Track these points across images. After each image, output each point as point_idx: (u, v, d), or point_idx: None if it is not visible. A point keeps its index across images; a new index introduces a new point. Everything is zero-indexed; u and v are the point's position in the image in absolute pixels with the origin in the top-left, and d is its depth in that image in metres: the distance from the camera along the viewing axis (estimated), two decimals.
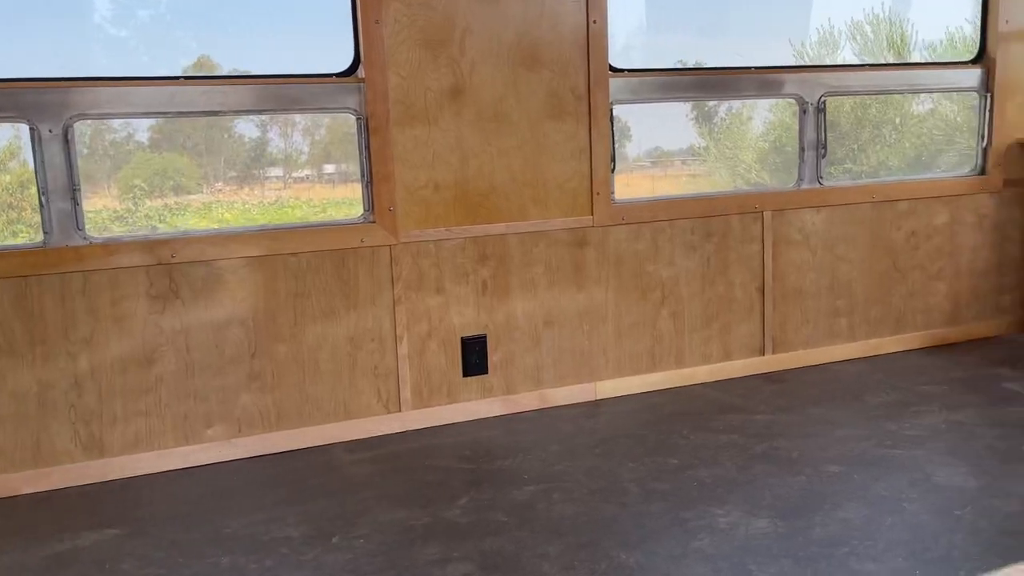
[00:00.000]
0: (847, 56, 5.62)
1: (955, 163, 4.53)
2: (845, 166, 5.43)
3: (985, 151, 3.63)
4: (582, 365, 3.09)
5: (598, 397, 3.12)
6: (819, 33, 5.56)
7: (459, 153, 2.81)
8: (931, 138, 5.30)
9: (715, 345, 3.28)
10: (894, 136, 5.63)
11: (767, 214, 3.28)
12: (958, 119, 4.84)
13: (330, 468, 2.59)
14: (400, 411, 2.85)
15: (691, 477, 2.40)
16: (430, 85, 2.74)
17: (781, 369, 3.38)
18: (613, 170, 3.05)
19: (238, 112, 2.66)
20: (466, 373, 2.92)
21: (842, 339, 3.49)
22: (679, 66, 4.18)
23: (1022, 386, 3.06)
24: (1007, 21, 3.52)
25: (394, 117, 2.72)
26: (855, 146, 5.48)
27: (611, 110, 3.00)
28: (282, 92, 2.65)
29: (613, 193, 3.07)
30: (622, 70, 3.03)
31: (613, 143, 3.02)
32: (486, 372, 2.94)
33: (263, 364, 2.68)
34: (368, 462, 2.62)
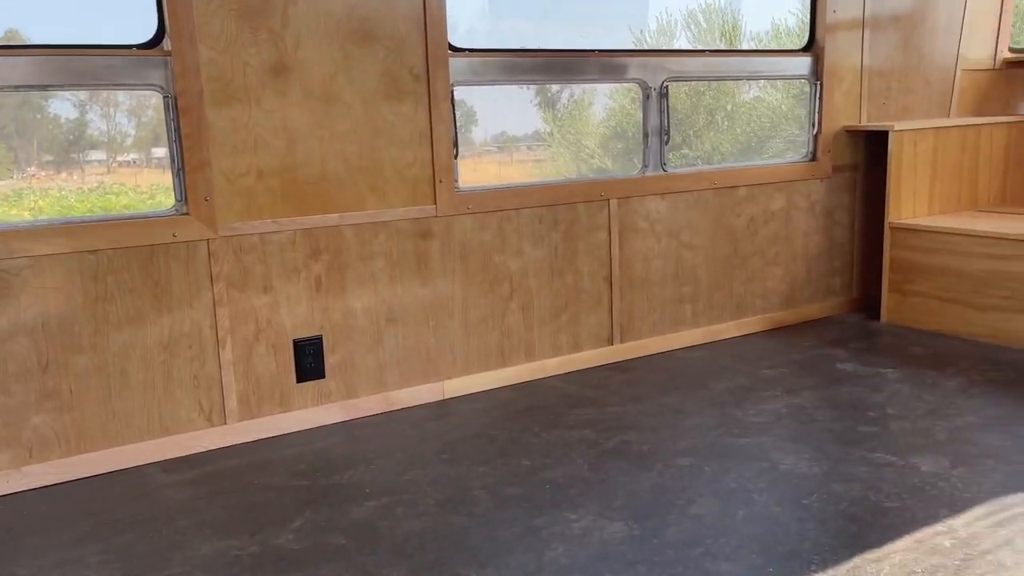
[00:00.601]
0: (683, 44, 5.72)
1: (781, 149, 4.69)
2: (683, 151, 5.54)
3: (816, 138, 3.73)
4: (428, 363, 2.92)
5: (446, 396, 2.95)
6: (658, 21, 5.63)
7: (285, 137, 2.55)
8: (760, 125, 5.49)
9: (565, 336, 3.19)
10: (726, 123, 5.80)
11: (613, 202, 3.22)
12: (783, 107, 5.02)
13: (143, 494, 2.28)
14: (225, 423, 2.57)
15: (544, 479, 2.29)
16: (249, 60, 2.46)
17: (630, 358, 3.35)
18: (456, 156, 2.88)
19: (18, 87, 2.27)
20: (300, 378, 2.67)
21: (687, 325, 3.50)
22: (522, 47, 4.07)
23: (853, 366, 3.16)
24: (835, 11, 3.63)
25: (209, 96, 2.42)
26: (691, 131, 5.60)
27: (452, 92, 2.82)
28: (73, 65, 2.29)
29: (457, 181, 2.90)
30: (463, 49, 2.86)
31: (456, 127, 2.85)
32: (323, 376, 2.71)
33: (58, 379, 2.32)
34: (188, 484, 2.34)
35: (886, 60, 3.84)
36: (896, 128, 3.58)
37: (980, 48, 4.15)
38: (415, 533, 2.01)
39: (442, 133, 2.80)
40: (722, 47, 5.52)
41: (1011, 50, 4.26)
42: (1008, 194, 4.10)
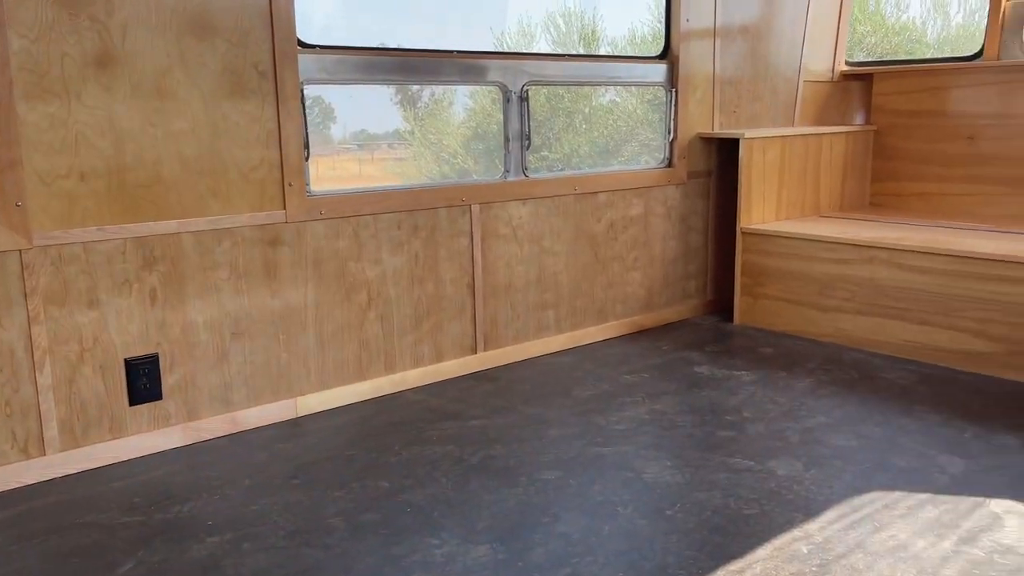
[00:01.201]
0: (543, 47, 5.73)
1: (636, 152, 4.77)
2: (543, 154, 5.55)
3: (672, 144, 3.80)
4: (280, 379, 2.73)
5: (300, 414, 2.78)
6: (519, 23, 5.61)
7: (112, 135, 2.30)
8: (616, 129, 5.59)
9: (427, 347, 3.08)
10: (584, 126, 5.87)
11: (475, 207, 3.13)
12: (638, 112, 5.12)
13: None
14: (45, 455, 2.30)
15: (404, 501, 2.17)
16: (68, 51, 2.20)
17: (494, 366, 3.28)
18: (308, 158, 2.71)
19: None
20: (134, 401, 2.43)
21: (550, 331, 3.47)
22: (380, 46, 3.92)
23: (710, 370, 3.22)
24: (688, 20, 3.70)
25: (20, 89, 2.15)
26: (551, 134, 5.63)
27: (302, 90, 2.65)
28: None
29: (309, 184, 2.73)
30: (313, 46, 2.70)
31: (307, 127, 2.68)
32: (160, 398, 2.48)
33: None
34: None
35: (736, 70, 3.96)
36: (747, 136, 3.69)
37: (820, 61, 4.37)
38: (262, 570, 1.85)
39: (292, 133, 2.63)
40: (581, 52, 5.57)
41: (847, 64, 4.51)
42: (846, 200, 4.34)
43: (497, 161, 3.30)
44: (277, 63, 2.56)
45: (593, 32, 5.70)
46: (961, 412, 2.72)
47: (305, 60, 2.66)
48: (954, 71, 4.10)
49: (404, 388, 3.02)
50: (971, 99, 4.04)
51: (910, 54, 6.27)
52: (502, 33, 5.61)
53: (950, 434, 2.54)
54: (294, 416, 2.76)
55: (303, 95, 2.65)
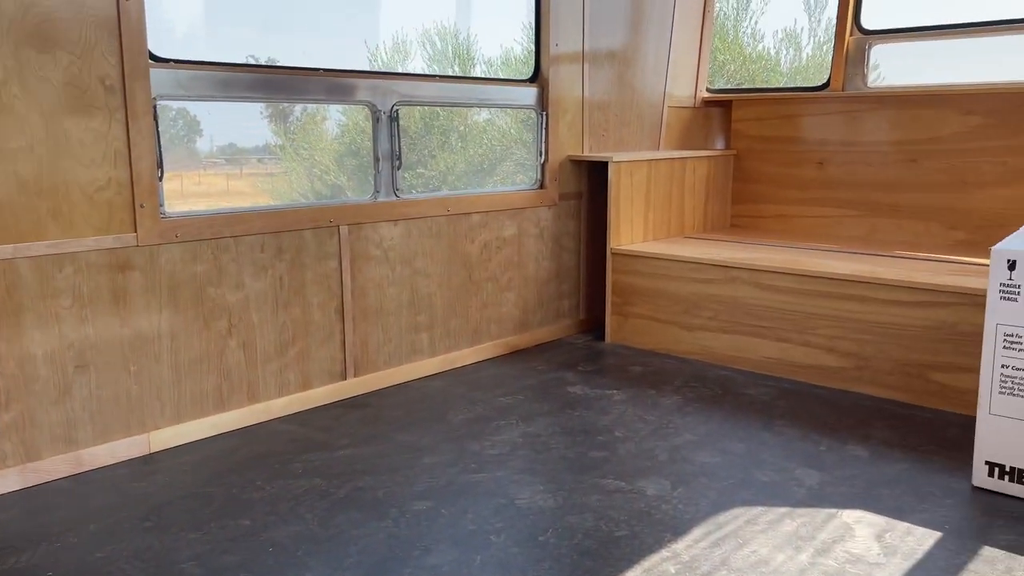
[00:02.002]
0: (418, 63, 5.70)
1: (511, 171, 4.81)
2: (418, 171, 5.51)
3: (543, 167, 3.84)
4: (131, 414, 2.55)
5: (153, 451, 2.60)
6: (394, 39, 5.56)
7: None
8: (491, 148, 5.62)
9: (293, 374, 2.96)
10: (460, 144, 5.87)
11: (343, 228, 3.05)
12: (512, 131, 5.18)
13: None
14: None
15: (266, 540, 2.06)
16: None
17: (365, 392, 3.19)
18: (161, 177, 2.56)
19: None
20: None
21: (424, 354, 3.42)
22: (243, 61, 3.78)
23: (583, 389, 3.25)
24: (557, 44, 3.76)
25: None
26: (426, 151, 5.60)
27: (155, 107, 2.50)
28: None
29: (163, 205, 2.58)
30: (167, 60, 2.56)
31: (159, 145, 2.53)
32: None
33: None
34: None
35: (604, 94, 4.05)
36: (615, 159, 3.78)
37: (683, 88, 4.54)
38: None
39: (143, 152, 2.47)
40: (454, 72, 5.57)
41: (708, 91, 4.71)
42: (709, 221, 4.51)
43: (368, 182, 3.23)
44: (126, 78, 2.40)
45: (468, 51, 5.73)
46: (816, 426, 2.85)
47: (159, 75, 2.52)
48: (804, 100, 4.35)
49: (269, 418, 2.89)
50: (820, 127, 4.30)
51: (766, 82, 6.62)
52: (376, 47, 5.55)
53: (807, 447, 2.66)
54: (147, 453, 2.59)
55: (156, 112, 2.50)
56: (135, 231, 2.49)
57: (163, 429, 2.62)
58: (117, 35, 2.38)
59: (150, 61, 2.48)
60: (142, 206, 2.49)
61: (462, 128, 5.83)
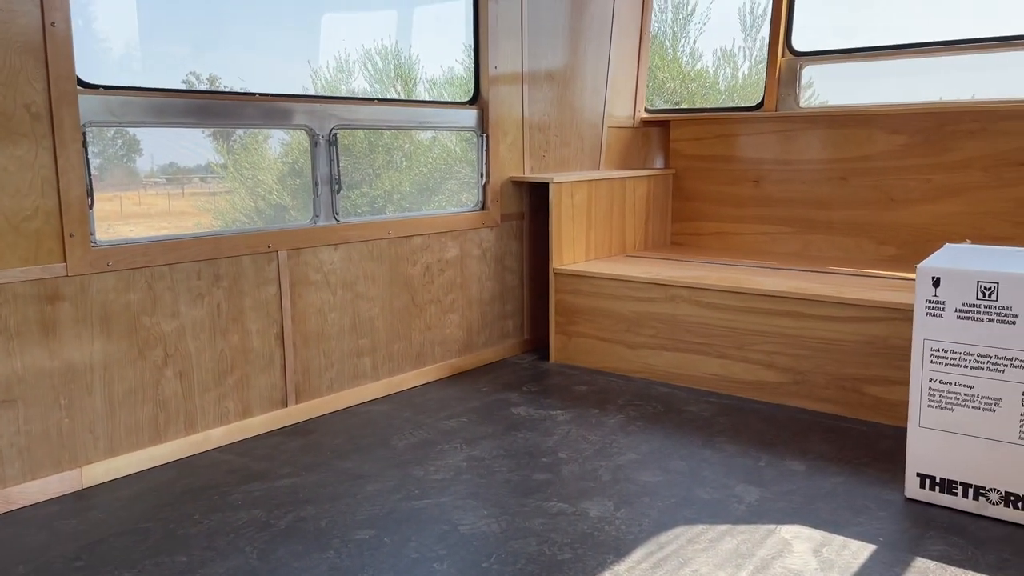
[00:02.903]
0: (360, 82, 5.69)
1: (456, 189, 4.82)
2: (362, 190, 5.48)
3: (484, 188, 3.85)
4: (62, 449, 2.48)
5: (86, 486, 2.53)
6: (336, 59, 5.53)
7: None
8: (436, 167, 5.62)
9: (232, 402, 2.91)
10: (405, 163, 5.86)
11: (282, 254, 3.01)
12: (457, 150, 5.19)
13: None
14: None
15: None
16: None
17: (307, 419, 3.15)
18: (92, 205, 2.50)
19: None
20: None
21: (367, 379, 3.39)
22: (180, 86, 3.72)
23: (527, 410, 3.26)
24: (496, 67, 3.78)
25: None
26: (370, 170, 5.57)
27: (84, 134, 2.45)
28: None
29: (94, 234, 2.51)
30: (96, 86, 2.50)
31: (89, 173, 2.47)
32: None
33: None
34: None
35: (544, 115, 4.09)
36: (555, 180, 3.81)
37: (622, 108, 4.61)
38: None
39: (72, 180, 2.41)
40: (396, 92, 5.57)
41: (646, 111, 4.79)
42: (650, 239, 4.57)
43: (307, 206, 3.20)
44: (53, 104, 2.35)
45: (409, 70, 5.73)
46: (756, 441, 2.90)
47: (88, 101, 2.46)
48: (739, 120, 4.46)
49: (208, 448, 2.83)
50: (755, 146, 4.40)
51: (705, 99, 6.77)
52: (319, 67, 5.51)
53: (746, 464, 2.71)
54: (79, 488, 2.51)
55: (85, 139, 2.45)
56: (64, 261, 2.42)
57: (96, 463, 2.54)
58: (43, 60, 2.32)
59: (79, 87, 2.42)
60: (72, 235, 2.42)
61: (407, 147, 5.83)
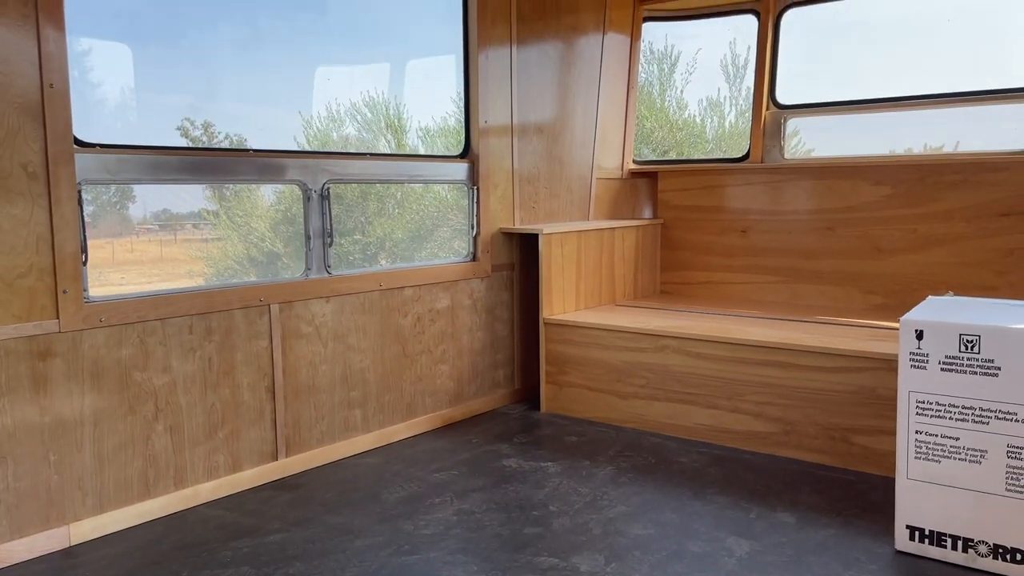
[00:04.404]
0: (351, 131, 5.76)
1: (449, 236, 4.86)
2: (355, 237, 5.51)
3: (475, 239, 3.90)
4: (50, 506, 2.46)
5: (74, 543, 2.51)
6: (327, 109, 5.62)
7: None
8: (428, 214, 5.68)
9: (222, 456, 2.90)
10: (397, 210, 5.91)
11: (274, 307, 3.04)
12: (449, 198, 5.25)
13: None
14: None
15: None
16: None
17: (297, 472, 3.14)
18: (85, 262, 2.52)
19: None
20: None
21: (357, 431, 3.38)
22: (175, 133, 3.78)
23: (518, 462, 3.26)
24: (486, 121, 3.86)
25: None
26: (363, 218, 5.62)
27: (80, 192, 2.48)
28: None
29: (87, 289, 2.53)
30: (93, 145, 2.55)
31: (84, 230, 2.50)
32: None
33: None
34: None
35: (533, 168, 4.16)
36: (545, 231, 3.86)
37: (610, 159, 4.68)
38: None
39: (67, 238, 2.44)
40: (387, 142, 5.64)
41: (634, 162, 4.87)
42: (639, 288, 4.61)
43: (299, 259, 3.24)
44: (50, 163, 2.39)
45: (399, 120, 5.82)
46: (747, 493, 2.91)
47: (84, 159, 2.50)
48: (726, 171, 4.53)
49: (197, 503, 2.82)
50: (742, 196, 4.47)
51: (693, 147, 6.87)
52: (310, 117, 5.59)
53: (737, 516, 2.71)
54: (67, 546, 2.49)
55: (81, 196, 2.48)
56: (57, 317, 2.44)
57: (84, 520, 2.53)
58: (41, 121, 2.37)
59: (75, 146, 2.47)
60: (65, 292, 2.44)
61: (399, 194, 5.89)
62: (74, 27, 2.47)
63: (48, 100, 2.37)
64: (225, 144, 4.44)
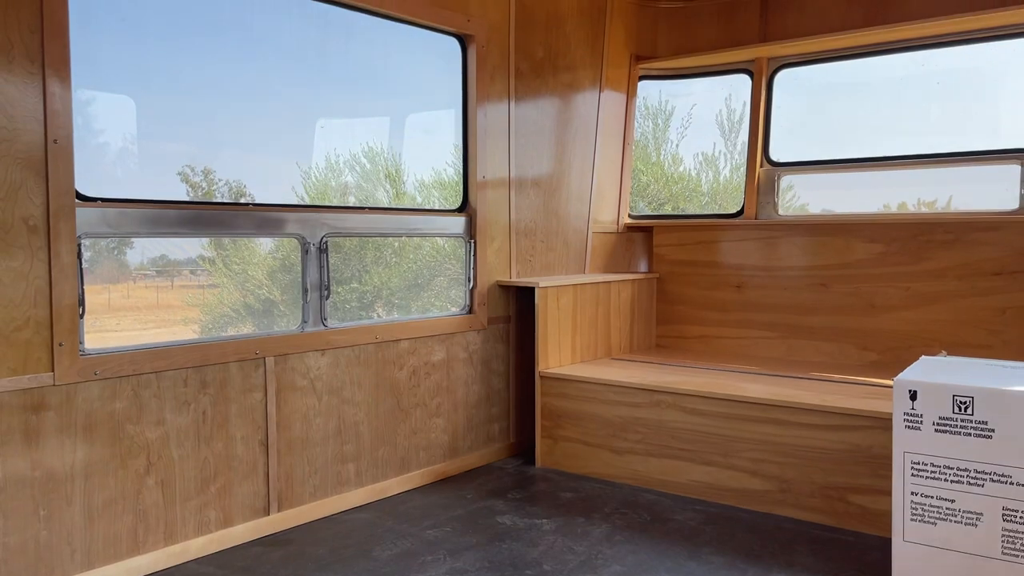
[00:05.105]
0: (349, 179, 5.81)
1: (445, 286, 4.88)
2: (352, 286, 5.53)
3: (472, 292, 3.91)
4: (39, 562, 2.43)
5: None
6: (327, 159, 5.68)
7: None
8: (425, 263, 5.70)
9: (213, 511, 2.87)
10: (394, 259, 5.94)
11: (270, 360, 3.04)
12: (446, 247, 5.28)
13: None
14: None
15: None
16: None
17: (289, 527, 3.10)
18: (83, 315, 2.53)
19: None
20: None
21: (350, 486, 3.36)
22: (172, 198, 3.82)
23: (512, 519, 3.23)
24: (484, 176, 3.90)
25: None
26: (360, 266, 5.64)
27: (80, 246, 2.50)
28: None
29: (83, 342, 2.54)
30: (94, 199, 2.57)
31: (82, 283, 2.52)
32: None
33: None
34: None
35: (530, 221, 4.20)
36: (541, 284, 3.88)
37: (606, 213, 4.73)
38: None
39: (65, 291, 2.45)
40: (382, 194, 5.70)
41: (630, 216, 4.91)
42: (635, 342, 4.62)
43: (296, 312, 3.25)
44: (51, 218, 2.41)
45: (398, 171, 5.88)
46: (743, 553, 2.88)
47: (85, 213, 2.53)
48: (721, 227, 4.58)
49: (186, 560, 2.78)
50: (737, 252, 4.51)
51: (688, 200, 6.94)
52: (309, 168, 5.65)
53: None
54: None
55: (80, 250, 2.50)
56: (52, 370, 2.44)
57: None
58: (44, 176, 2.40)
59: (77, 200, 2.49)
60: (61, 344, 2.45)
61: (396, 244, 5.92)
62: (78, 80, 2.52)
63: (52, 156, 2.40)
64: (224, 190, 4.48)
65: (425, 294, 5.67)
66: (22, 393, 2.38)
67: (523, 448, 4.20)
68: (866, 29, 4.03)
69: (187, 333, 5.61)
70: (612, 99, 4.68)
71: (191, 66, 3.78)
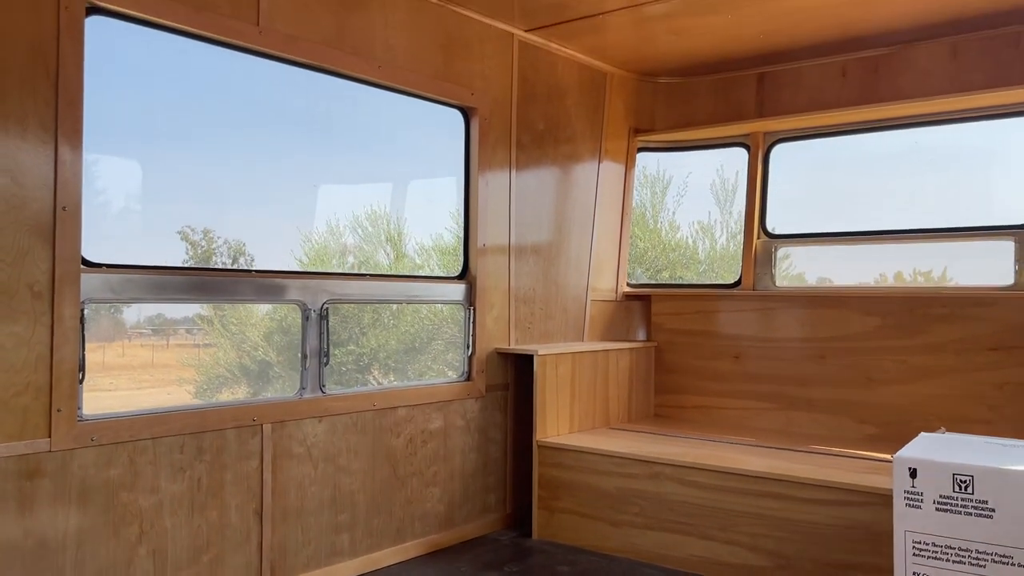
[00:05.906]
0: (350, 240, 5.85)
1: (443, 349, 4.88)
2: (349, 347, 5.52)
3: (470, 359, 3.92)
4: None
5: None
6: (328, 224, 5.74)
7: None
8: (423, 326, 5.71)
9: None
10: (392, 321, 5.95)
11: (267, 427, 3.02)
12: (444, 311, 5.30)
13: None
14: None
15: None
16: None
17: None
18: (82, 380, 2.53)
19: None
20: None
21: (344, 556, 3.30)
22: (173, 264, 3.85)
23: None
24: (484, 244, 3.95)
25: None
26: (358, 328, 5.64)
27: (83, 311, 2.52)
28: None
29: (81, 408, 2.53)
30: (99, 265, 2.60)
31: (83, 349, 2.52)
32: None
33: None
34: None
35: (530, 289, 4.23)
36: (540, 352, 3.89)
37: (605, 282, 4.76)
38: None
39: (66, 356, 2.46)
40: (383, 257, 5.74)
41: (629, 285, 4.95)
42: (633, 411, 4.60)
43: (295, 378, 3.24)
44: (56, 283, 2.43)
45: (399, 234, 5.93)
46: None
47: (89, 279, 2.55)
48: (718, 297, 4.61)
49: None
50: (735, 322, 4.53)
51: (686, 268, 6.98)
52: (310, 232, 5.69)
53: None
54: None
55: (83, 316, 2.51)
56: (48, 436, 2.42)
57: None
58: (51, 242, 2.42)
59: (82, 266, 2.52)
60: (59, 411, 2.44)
61: (395, 306, 5.94)
62: (86, 144, 2.56)
63: (60, 223, 2.44)
64: (224, 250, 4.52)
65: (422, 357, 5.66)
66: (18, 459, 2.36)
67: (519, 518, 4.14)
68: (859, 107, 4.13)
69: (182, 393, 5.57)
70: (611, 170, 4.76)
71: (196, 131, 3.85)
